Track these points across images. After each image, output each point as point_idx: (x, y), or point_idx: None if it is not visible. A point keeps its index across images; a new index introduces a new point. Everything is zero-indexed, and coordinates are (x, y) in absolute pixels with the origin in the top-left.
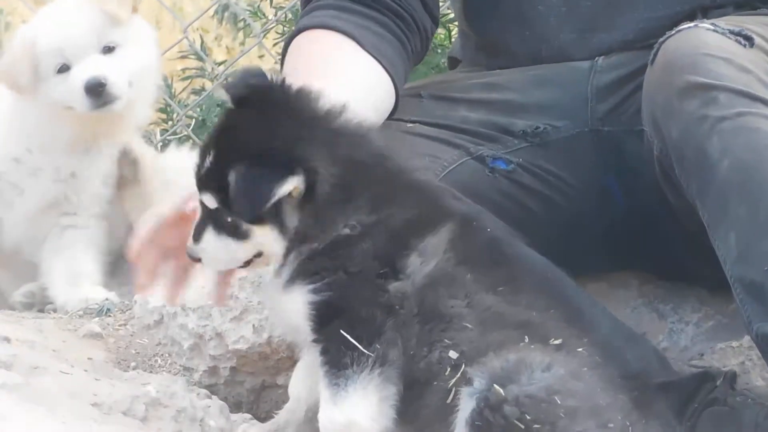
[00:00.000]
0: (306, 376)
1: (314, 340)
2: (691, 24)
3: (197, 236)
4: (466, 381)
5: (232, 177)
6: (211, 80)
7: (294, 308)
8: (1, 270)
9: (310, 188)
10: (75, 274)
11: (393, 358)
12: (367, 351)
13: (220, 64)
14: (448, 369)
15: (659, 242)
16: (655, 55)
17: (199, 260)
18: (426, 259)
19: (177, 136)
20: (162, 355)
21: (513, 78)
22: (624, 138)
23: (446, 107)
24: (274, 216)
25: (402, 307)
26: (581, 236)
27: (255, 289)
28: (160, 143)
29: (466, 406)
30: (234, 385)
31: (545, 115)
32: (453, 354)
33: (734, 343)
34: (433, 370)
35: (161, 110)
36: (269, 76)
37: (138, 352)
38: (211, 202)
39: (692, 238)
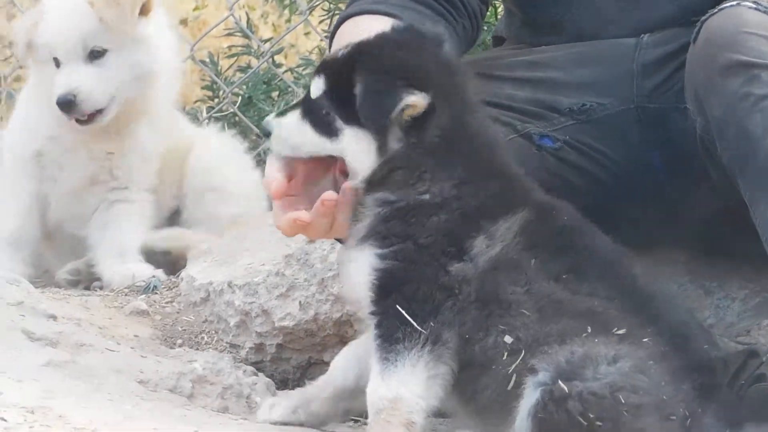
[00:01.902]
0: (350, 362)
1: (371, 312)
2: (734, 2)
3: (283, 113)
4: (530, 370)
5: (362, 80)
6: (257, 57)
7: (359, 272)
8: (48, 248)
9: (420, 123)
10: (122, 249)
11: (447, 338)
12: (420, 328)
13: (266, 41)
14: (505, 354)
15: (703, 219)
16: (698, 32)
17: (268, 135)
18: (493, 242)
19: (223, 114)
20: (208, 332)
21: (557, 56)
22: (669, 115)
23: (492, 85)
24: (379, 129)
25: (460, 291)
26: (625, 213)
27: (301, 266)
28: (206, 120)
29: (529, 396)
30: (280, 362)
31: (591, 92)
32: (508, 339)
33: None
34: (488, 354)
35: (207, 88)
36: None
37: (184, 329)
38: (319, 87)
39: (735, 215)
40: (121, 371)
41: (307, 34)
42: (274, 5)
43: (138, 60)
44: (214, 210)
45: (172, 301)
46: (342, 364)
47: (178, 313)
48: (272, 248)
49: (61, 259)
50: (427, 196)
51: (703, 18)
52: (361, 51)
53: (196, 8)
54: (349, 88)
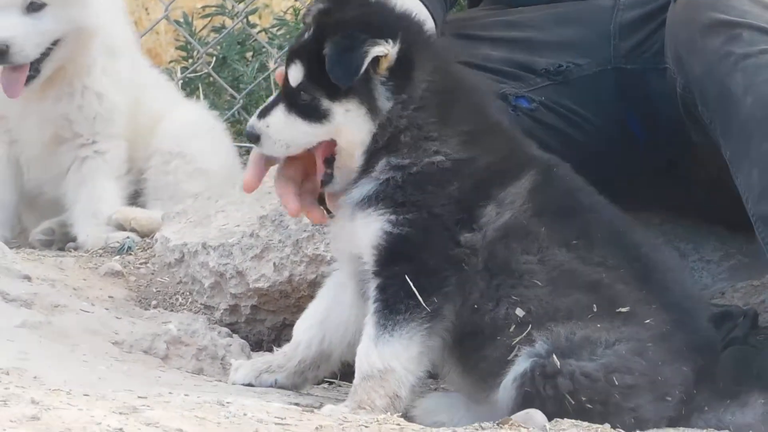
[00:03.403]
0: (312, 328)
1: (374, 273)
2: None
3: (264, 113)
4: (528, 341)
5: (327, 46)
6: (232, 18)
7: (364, 234)
8: (26, 210)
9: (403, 75)
10: (96, 209)
11: (446, 313)
12: (425, 303)
13: (240, 1)
14: (513, 326)
15: (680, 180)
16: None
17: (257, 139)
18: (502, 210)
19: (197, 74)
20: (183, 293)
21: (534, 16)
22: (647, 76)
23: (467, 45)
24: (364, 91)
25: (467, 263)
26: (602, 174)
27: (276, 228)
28: (181, 80)
29: (520, 364)
30: (255, 323)
31: (567, 53)
32: (520, 312)
33: (755, 282)
34: (498, 325)
35: (181, 48)
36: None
37: (159, 291)
38: (297, 74)
39: (713, 176)
40: (96, 332)
41: None
42: None
43: (75, 16)
44: (177, 182)
45: (146, 262)
46: (305, 334)
47: (152, 274)
48: (247, 209)
49: (40, 222)
50: (439, 157)
51: None
52: (325, 24)
53: None
54: (323, 65)
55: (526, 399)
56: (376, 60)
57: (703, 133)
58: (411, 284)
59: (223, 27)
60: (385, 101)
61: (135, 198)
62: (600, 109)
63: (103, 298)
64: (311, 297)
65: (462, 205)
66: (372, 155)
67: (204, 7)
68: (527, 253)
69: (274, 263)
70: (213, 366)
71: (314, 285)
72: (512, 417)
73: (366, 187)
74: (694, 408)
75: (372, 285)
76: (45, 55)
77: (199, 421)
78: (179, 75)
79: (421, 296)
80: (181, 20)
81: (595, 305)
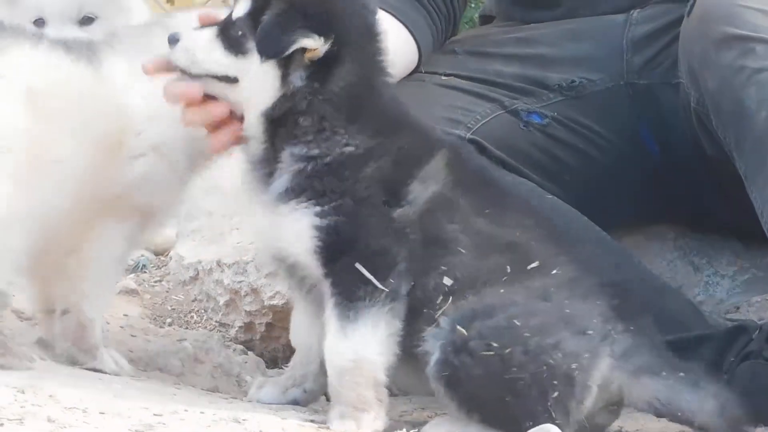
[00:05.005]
0: (309, 324)
1: (324, 274)
2: None
3: (198, 30)
4: (434, 323)
5: (267, 14)
6: None
7: (295, 231)
8: None
9: (326, 68)
10: None
11: (403, 292)
12: (383, 285)
13: None
14: (441, 297)
15: (694, 194)
16: (692, 6)
17: (175, 42)
18: (427, 184)
19: None
20: (197, 311)
21: (547, 32)
22: (659, 91)
23: (481, 61)
24: (284, 60)
25: (407, 237)
26: (616, 189)
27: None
28: None
29: (432, 354)
30: (270, 340)
31: (580, 68)
32: (447, 281)
33: None
34: (428, 297)
35: None
36: None
37: (173, 309)
38: (243, 8)
39: (728, 190)
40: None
41: None
42: None
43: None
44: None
45: (161, 280)
46: (306, 333)
47: (167, 292)
48: None
49: None
50: (349, 148)
51: None
52: None
53: None
54: (263, 15)
55: (450, 383)
56: (304, 48)
57: (717, 147)
58: (362, 269)
59: None
60: (297, 79)
61: None
62: (613, 123)
63: (117, 316)
64: None
65: (385, 185)
66: (270, 133)
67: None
68: (452, 222)
69: None
70: (228, 383)
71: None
72: None
73: (282, 179)
74: (645, 370)
75: (325, 285)
76: None
77: None
78: None
79: (378, 276)
80: None
81: (508, 266)
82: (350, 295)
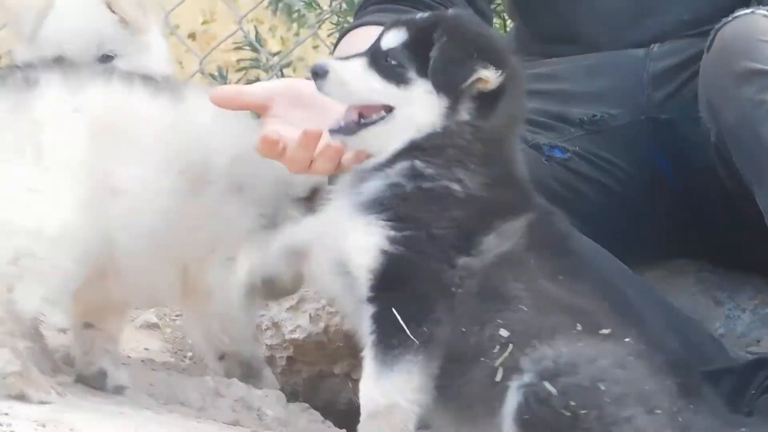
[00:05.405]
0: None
1: (369, 298)
2: (748, 10)
3: (344, 59)
4: (517, 369)
5: (437, 46)
6: (266, 71)
7: (363, 243)
8: None
9: (488, 102)
10: None
11: (438, 338)
12: (416, 334)
13: (274, 54)
14: (498, 347)
15: (715, 228)
16: (712, 41)
17: (323, 75)
18: (502, 240)
19: None
20: None
21: (567, 67)
22: (680, 125)
23: None
24: (453, 93)
25: (462, 285)
26: (637, 223)
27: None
28: None
29: (513, 399)
30: (290, 374)
31: (601, 103)
32: (504, 332)
33: None
34: (482, 347)
35: None
36: None
37: (194, 343)
38: (395, 39)
39: (748, 223)
40: (133, 385)
41: (315, 47)
42: (282, 19)
43: (143, 63)
44: None
45: (181, 314)
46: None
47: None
48: None
49: None
50: (457, 186)
51: (718, 26)
52: (444, 17)
53: (204, 21)
54: (428, 46)
55: (526, 427)
56: (475, 81)
57: (738, 181)
58: (399, 317)
59: (258, 80)
60: (465, 113)
61: None
62: (634, 158)
63: (138, 350)
64: (347, 348)
65: (463, 230)
66: (408, 150)
67: (239, 60)
68: (517, 281)
69: (310, 314)
70: (249, 417)
71: (350, 336)
72: None
73: (375, 184)
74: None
75: (366, 311)
76: None
77: None
78: None
79: (411, 325)
80: (216, 74)
81: (579, 325)
82: (386, 339)
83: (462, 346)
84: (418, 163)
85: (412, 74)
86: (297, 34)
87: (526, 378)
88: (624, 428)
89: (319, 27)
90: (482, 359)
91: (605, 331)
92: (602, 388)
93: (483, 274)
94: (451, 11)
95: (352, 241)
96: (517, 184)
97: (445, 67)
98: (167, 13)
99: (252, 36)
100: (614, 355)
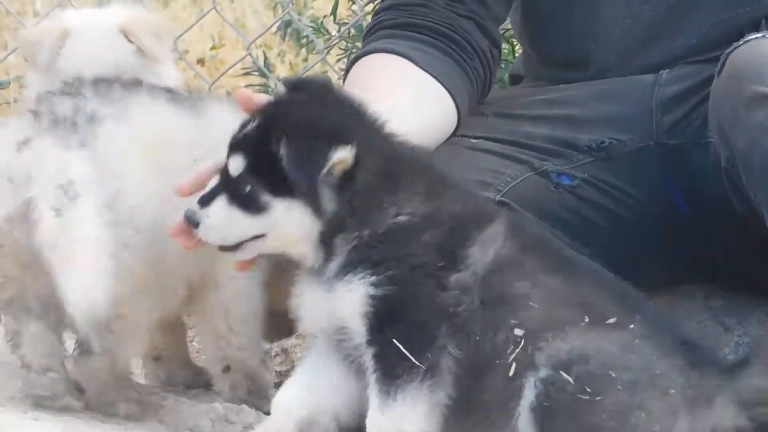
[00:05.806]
0: (302, 392)
1: (368, 342)
2: (758, 35)
3: (206, 201)
4: (533, 366)
5: (283, 145)
6: None
7: (348, 302)
8: None
9: (350, 174)
10: None
11: (444, 365)
12: (419, 362)
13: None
14: (511, 346)
15: (724, 254)
16: (722, 65)
17: (196, 225)
18: (486, 248)
19: None
20: None
21: (576, 93)
22: (690, 151)
23: (510, 123)
24: (308, 190)
25: (460, 303)
26: (646, 249)
27: None
28: None
29: (530, 393)
30: None
31: (610, 129)
32: (518, 331)
33: None
34: (498, 351)
35: None
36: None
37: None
38: (237, 165)
39: (758, 249)
40: (141, 411)
41: (324, 72)
42: (291, 44)
43: None
44: None
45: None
46: (295, 399)
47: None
48: None
49: None
50: (403, 218)
51: (728, 51)
52: (275, 117)
53: (213, 47)
54: (271, 157)
55: (545, 415)
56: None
57: (748, 206)
58: (401, 347)
59: None
60: (328, 203)
61: None
62: (643, 184)
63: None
64: None
65: (442, 250)
66: (325, 237)
67: (247, 86)
68: (522, 280)
69: None
70: None
71: None
72: None
73: (336, 261)
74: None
75: (368, 355)
76: None
77: None
78: None
79: (415, 354)
80: None
81: (587, 316)
82: (390, 371)
83: (477, 356)
84: (345, 235)
85: (266, 197)
86: (306, 60)
87: (542, 373)
88: (639, 413)
89: (328, 53)
90: (498, 362)
91: (611, 321)
92: (613, 375)
93: (484, 284)
94: (282, 100)
95: (338, 304)
96: (464, 195)
97: (300, 166)
98: (176, 39)
99: (261, 61)
100: (621, 341)
